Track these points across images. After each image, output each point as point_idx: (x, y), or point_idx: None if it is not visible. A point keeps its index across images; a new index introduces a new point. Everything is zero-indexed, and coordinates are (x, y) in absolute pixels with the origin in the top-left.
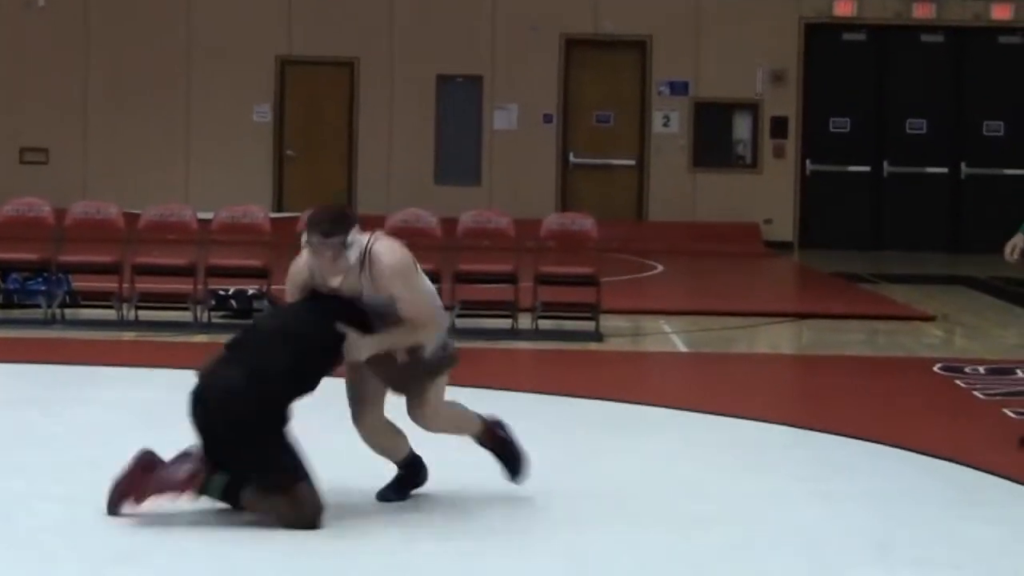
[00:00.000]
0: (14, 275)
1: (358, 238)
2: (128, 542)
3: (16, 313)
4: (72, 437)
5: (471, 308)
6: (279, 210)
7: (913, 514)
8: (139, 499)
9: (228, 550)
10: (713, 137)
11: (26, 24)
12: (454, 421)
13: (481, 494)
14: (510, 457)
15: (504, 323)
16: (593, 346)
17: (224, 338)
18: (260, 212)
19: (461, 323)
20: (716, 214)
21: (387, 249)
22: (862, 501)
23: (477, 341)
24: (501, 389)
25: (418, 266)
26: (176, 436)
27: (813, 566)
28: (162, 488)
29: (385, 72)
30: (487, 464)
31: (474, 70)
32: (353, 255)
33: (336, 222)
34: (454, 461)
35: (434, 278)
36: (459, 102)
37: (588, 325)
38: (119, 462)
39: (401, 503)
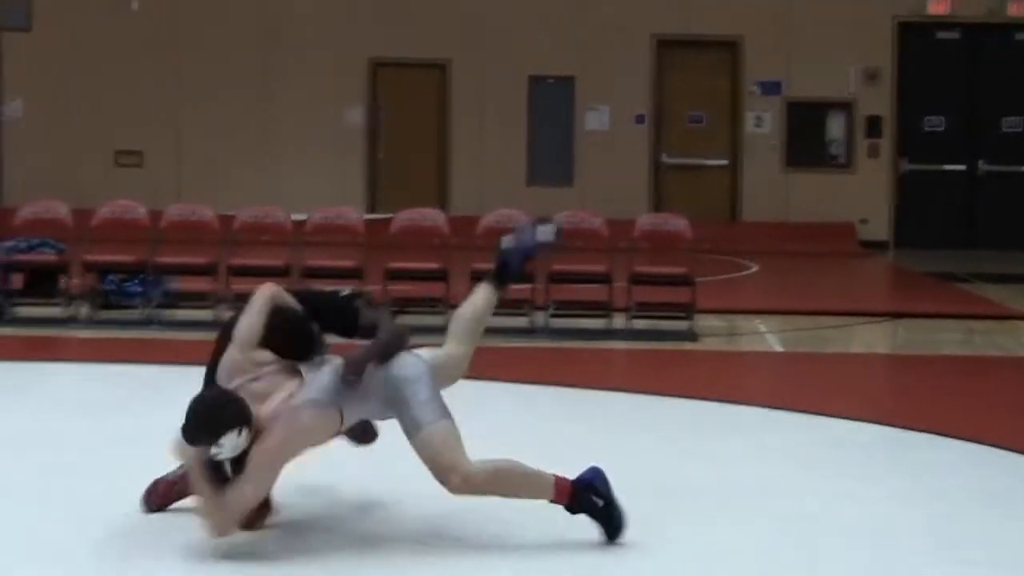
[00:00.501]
0: (111, 277)
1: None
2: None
3: (113, 314)
4: (165, 437)
5: (565, 308)
6: (372, 211)
7: (1013, 514)
8: (161, 501)
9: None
10: (806, 137)
11: (120, 27)
12: (499, 482)
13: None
14: (602, 519)
15: (598, 323)
16: (688, 346)
17: None
18: (354, 214)
19: (555, 323)
20: (809, 214)
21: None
22: (951, 500)
23: (571, 341)
24: (595, 388)
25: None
26: None
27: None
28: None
29: (478, 73)
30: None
31: (566, 71)
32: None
33: (201, 426)
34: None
35: (528, 278)
36: (551, 103)
37: (682, 325)
38: None
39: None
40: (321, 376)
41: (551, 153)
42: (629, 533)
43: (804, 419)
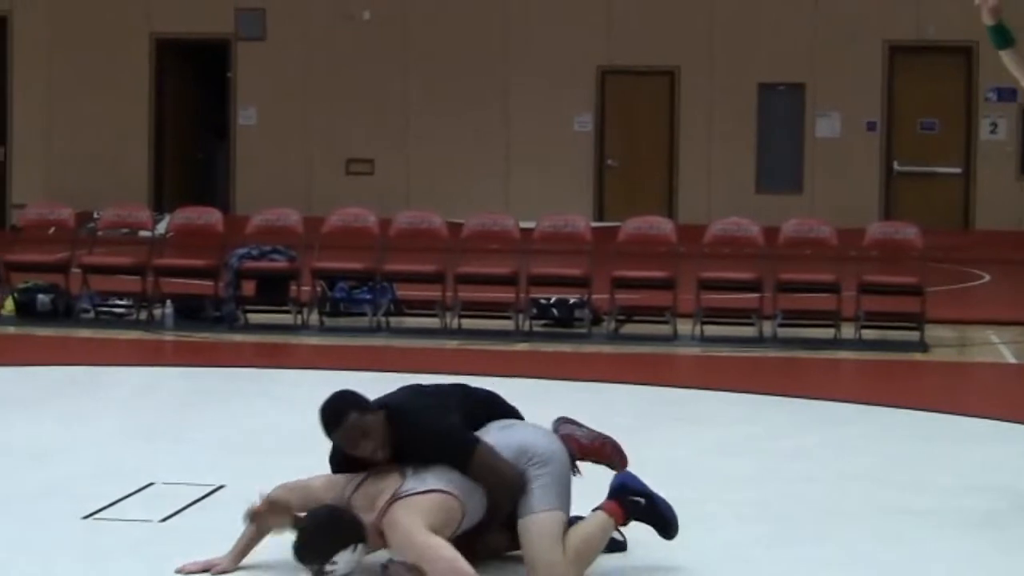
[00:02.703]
0: (341, 284)
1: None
2: None
3: (343, 321)
4: None
5: (793, 317)
6: (600, 219)
7: None
8: None
9: None
10: None
11: (350, 37)
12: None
13: (803, 507)
14: (651, 515)
15: (827, 333)
16: (918, 356)
17: (545, 347)
18: (581, 221)
19: (783, 332)
20: None
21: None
22: None
23: (799, 350)
24: (823, 399)
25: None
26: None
27: None
28: None
29: (705, 81)
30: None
31: (796, 78)
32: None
33: (314, 547)
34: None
35: (754, 286)
36: (781, 110)
37: (913, 335)
38: None
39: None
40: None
41: (780, 161)
42: (853, 542)
43: None
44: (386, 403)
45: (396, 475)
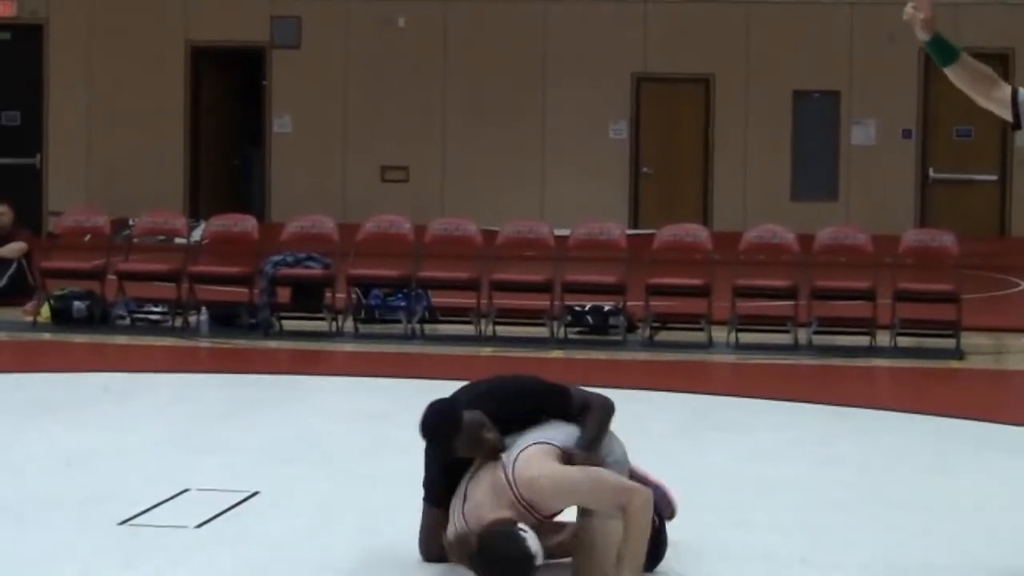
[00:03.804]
0: (376, 291)
1: None
2: None
3: (377, 328)
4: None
5: (828, 325)
6: (635, 227)
7: None
8: None
9: None
10: None
11: (386, 44)
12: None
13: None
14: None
15: (862, 340)
16: (954, 364)
17: (579, 354)
18: (617, 229)
19: (818, 340)
20: None
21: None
22: None
23: (834, 358)
24: (858, 407)
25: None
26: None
27: None
28: None
29: (741, 88)
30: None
31: (831, 85)
32: None
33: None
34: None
35: (789, 293)
36: (816, 117)
37: (949, 343)
38: None
39: None
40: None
41: (815, 168)
42: (890, 545)
43: None
44: (457, 398)
45: (492, 464)
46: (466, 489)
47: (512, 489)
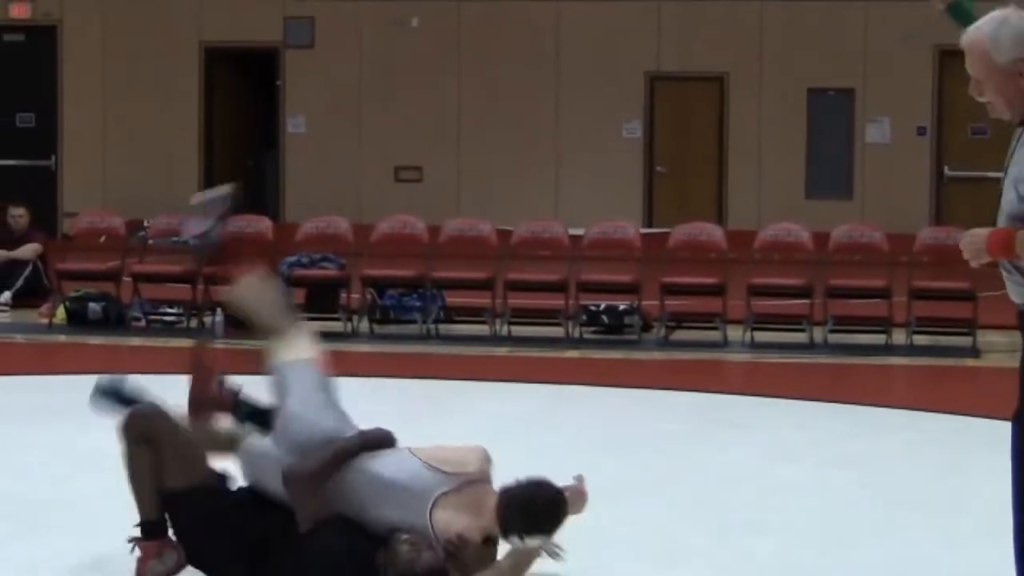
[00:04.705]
0: (390, 291)
1: None
2: None
3: (392, 329)
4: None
5: (844, 323)
6: (649, 226)
7: None
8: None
9: None
10: None
11: (399, 44)
12: None
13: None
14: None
15: (878, 338)
16: (970, 362)
17: (595, 354)
18: (631, 228)
19: (834, 338)
20: None
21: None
22: None
23: (850, 356)
24: (874, 405)
25: None
26: (540, 447)
27: None
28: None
29: (755, 86)
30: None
31: (845, 83)
32: None
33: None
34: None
35: (804, 292)
36: (830, 115)
37: (965, 341)
38: None
39: None
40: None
41: (830, 166)
42: (915, 545)
43: None
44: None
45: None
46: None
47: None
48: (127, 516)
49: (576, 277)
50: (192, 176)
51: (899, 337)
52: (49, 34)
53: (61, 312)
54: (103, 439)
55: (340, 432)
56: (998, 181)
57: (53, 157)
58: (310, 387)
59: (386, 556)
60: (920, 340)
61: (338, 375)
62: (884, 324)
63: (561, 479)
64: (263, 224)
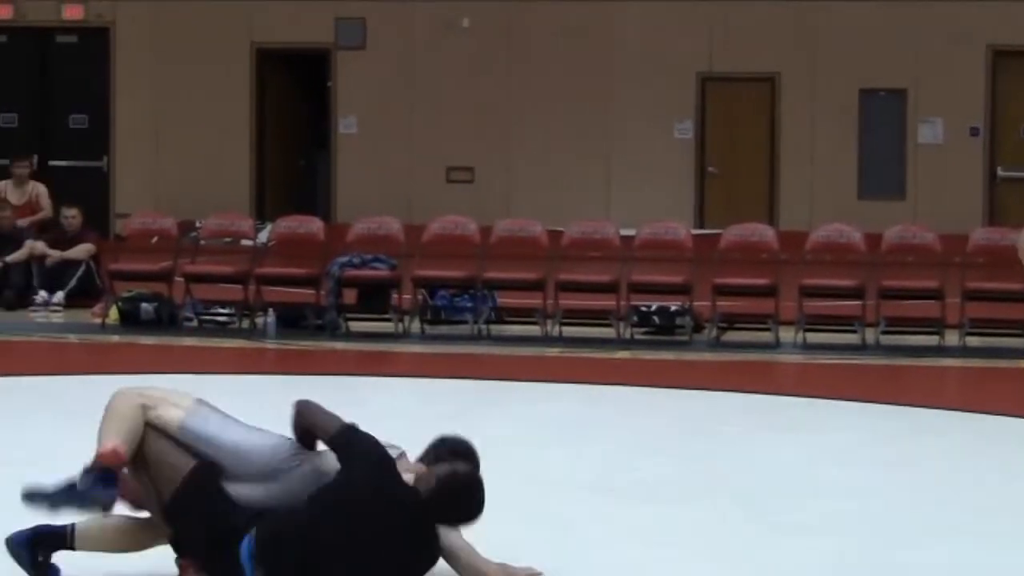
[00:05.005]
0: (442, 292)
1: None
2: None
3: (444, 329)
4: (495, 451)
5: (896, 324)
6: (700, 227)
7: None
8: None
9: None
10: None
11: (450, 45)
12: None
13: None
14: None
15: (931, 340)
16: (1023, 363)
17: (646, 355)
18: (682, 229)
19: (886, 340)
20: None
21: None
22: None
23: (902, 358)
24: (927, 407)
25: None
26: (591, 448)
27: None
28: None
29: (806, 87)
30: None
31: (898, 83)
32: None
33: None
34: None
35: (857, 293)
36: (883, 116)
37: (1018, 342)
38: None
39: None
40: None
41: (882, 166)
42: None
43: None
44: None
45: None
46: None
47: None
48: None
49: (627, 278)
50: (244, 177)
51: (952, 338)
52: (102, 36)
53: (114, 312)
54: None
55: (281, 444)
56: None
57: (105, 158)
58: (222, 425)
59: (422, 479)
60: (973, 341)
61: (389, 375)
62: (937, 325)
63: (611, 480)
64: (315, 225)
